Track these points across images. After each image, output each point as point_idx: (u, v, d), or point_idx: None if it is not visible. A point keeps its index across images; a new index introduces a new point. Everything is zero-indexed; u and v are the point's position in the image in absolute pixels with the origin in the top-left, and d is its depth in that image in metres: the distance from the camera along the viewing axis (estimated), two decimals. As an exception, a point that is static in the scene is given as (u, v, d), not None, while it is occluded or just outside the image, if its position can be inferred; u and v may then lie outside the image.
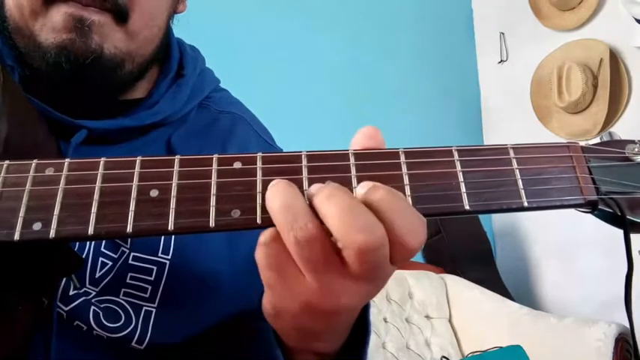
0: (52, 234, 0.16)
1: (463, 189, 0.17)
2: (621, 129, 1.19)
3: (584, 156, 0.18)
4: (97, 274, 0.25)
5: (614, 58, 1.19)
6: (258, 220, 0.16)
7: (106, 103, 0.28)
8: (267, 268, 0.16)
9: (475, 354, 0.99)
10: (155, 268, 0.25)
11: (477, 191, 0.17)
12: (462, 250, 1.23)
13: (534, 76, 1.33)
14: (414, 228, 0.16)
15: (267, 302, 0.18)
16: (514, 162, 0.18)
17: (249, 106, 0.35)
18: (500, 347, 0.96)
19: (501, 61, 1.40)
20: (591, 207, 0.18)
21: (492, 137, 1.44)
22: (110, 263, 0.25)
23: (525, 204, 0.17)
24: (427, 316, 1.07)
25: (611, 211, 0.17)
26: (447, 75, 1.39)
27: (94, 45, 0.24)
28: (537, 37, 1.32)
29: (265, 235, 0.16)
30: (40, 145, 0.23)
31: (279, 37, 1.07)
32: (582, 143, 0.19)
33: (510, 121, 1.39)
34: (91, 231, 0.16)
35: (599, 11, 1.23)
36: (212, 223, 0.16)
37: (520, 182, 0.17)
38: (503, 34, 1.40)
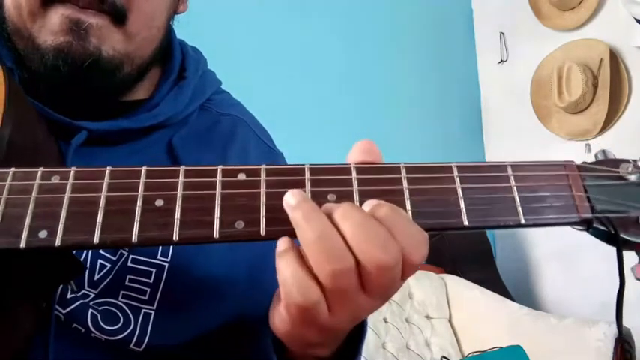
0: (57, 242, 0.16)
1: (462, 205, 0.17)
2: (621, 129, 1.19)
3: (580, 175, 0.19)
4: (96, 277, 0.25)
5: (614, 58, 1.19)
6: (262, 232, 0.16)
7: (106, 105, 0.28)
8: (306, 303, 0.16)
9: (475, 354, 1.00)
10: (154, 270, 0.25)
11: (475, 207, 0.17)
12: (462, 250, 1.23)
13: (534, 76, 1.32)
14: (416, 243, 0.16)
15: (282, 330, 0.18)
16: (512, 179, 0.18)
17: (250, 109, 0.35)
18: (500, 347, 0.96)
19: (501, 61, 1.40)
20: (586, 225, 0.18)
21: (492, 137, 1.44)
22: (109, 265, 0.25)
23: (522, 221, 0.17)
24: (427, 316, 1.08)
25: (605, 229, 0.18)
26: (447, 75, 1.39)
27: (92, 48, 0.24)
28: (537, 37, 1.32)
29: (299, 272, 0.15)
30: (40, 147, 0.23)
31: (278, 38, 1.07)
32: (578, 162, 0.19)
33: (510, 121, 1.39)
34: (96, 240, 0.16)
35: (599, 11, 1.23)
36: (216, 234, 0.16)
37: (517, 200, 0.18)
38: (503, 34, 1.39)
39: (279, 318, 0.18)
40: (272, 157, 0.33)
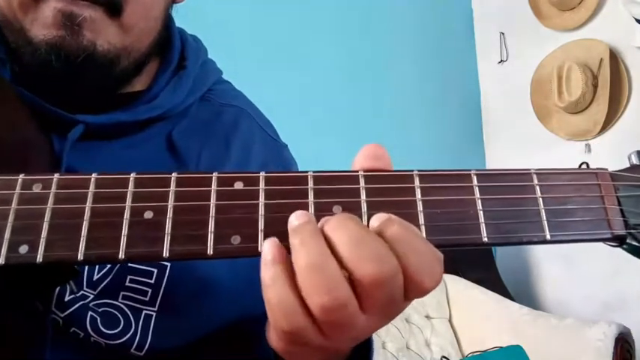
0: (39, 258, 0.15)
1: (481, 219, 0.16)
2: (621, 129, 1.19)
3: (613, 184, 0.17)
4: (96, 277, 0.24)
5: (614, 58, 1.19)
6: (260, 249, 0.15)
7: (103, 97, 0.27)
8: (292, 329, 0.15)
9: (475, 354, 0.99)
10: (156, 270, 0.24)
11: (496, 222, 0.16)
12: (462, 250, 1.22)
13: (534, 76, 1.32)
14: (429, 268, 0.15)
15: (279, 348, 0.17)
16: (537, 189, 0.16)
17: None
18: (500, 347, 0.96)
19: (501, 61, 1.40)
20: (619, 241, 0.17)
21: (492, 137, 1.44)
22: (109, 265, 0.24)
23: (548, 237, 0.16)
24: (427, 316, 1.07)
25: (639, 245, 0.17)
26: (447, 75, 1.38)
27: (86, 42, 0.23)
28: (537, 37, 1.32)
29: (286, 297, 0.14)
30: (31, 144, 0.22)
31: (278, 31, 1.06)
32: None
33: (510, 121, 1.39)
34: (80, 256, 0.15)
35: (599, 11, 1.23)
36: (210, 251, 0.15)
37: (543, 213, 0.16)
38: (503, 34, 1.39)
39: (274, 336, 0.16)
40: (276, 148, 0.32)
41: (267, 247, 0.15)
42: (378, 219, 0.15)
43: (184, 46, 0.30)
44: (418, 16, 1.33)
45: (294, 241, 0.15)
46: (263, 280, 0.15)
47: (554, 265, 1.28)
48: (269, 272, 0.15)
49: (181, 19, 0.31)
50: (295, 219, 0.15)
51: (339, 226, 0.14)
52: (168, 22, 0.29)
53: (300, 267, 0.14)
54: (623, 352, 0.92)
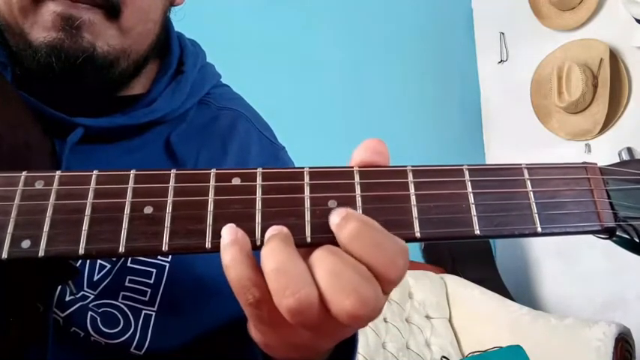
0: (41, 253, 0.16)
1: (474, 212, 0.16)
2: (621, 129, 1.19)
3: (603, 178, 0.17)
4: (95, 277, 0.24)
5: (614, 58, 1.19)
6: (258, 243, 0.16)
7: (102, 100, 0.27)
8: (259, 323, 0.15)
9: (475, 354, 0.99)
10: (155, 270, 0.24)
11: (488, 215, 0.16)
12: (462, 249, 1.23)
13: (534, 76, 1.32)
14: (392, 260, 0.15)
15: (255, 335, 0.17)
16: (528, 183, 0.17)
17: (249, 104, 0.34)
18: (500, 347, 0.96)
19: (501, 61, 1.40)
20: (608, 234, 0.17)
21: (492, 137, 1.44)
22: (108, 266, 0.24)
23: (539, 229, 0.16)
24: (427, 316, 1.07)
25: (629, 237, 0.17)
26: (447, 75, 1.39)
27: (86, 43, 0.23)
28: (537, 37, 1.32)
29: (252, 295, 0.15)
30: (33, 145, 0.23)
31: (278, 32, 1.06)
32: (600, 164, 0.18)
33: (510, 121, 1.39)
34: (81, 251, 0.15)
35: (599, 11, 1.23)
36: (208, 244, 0.15)
37: (534, 206, 0.16)
38: (503, 34, 1.39)
39: (254, 333, 0.17)
40: (274, 151, 0.32)
41: (225, 232, 0.15)
42: (336, 216, 0.15)
43: (183, 51, 0.31)
44: (418, 16, 1.34)
45: (263, 252, 0.15)
46: (223, 263, 0.15)
47: (554, 264, 1.28)
48: (228, 254, 0.15)
49: (180, 22, 0.32)
50: (268, 233, 0.15)
51: (318, 260, 0.14)
52: (166, 24, 0.29)
53: (266, 272, 0.15)
54: (623, 352, 0.92)
